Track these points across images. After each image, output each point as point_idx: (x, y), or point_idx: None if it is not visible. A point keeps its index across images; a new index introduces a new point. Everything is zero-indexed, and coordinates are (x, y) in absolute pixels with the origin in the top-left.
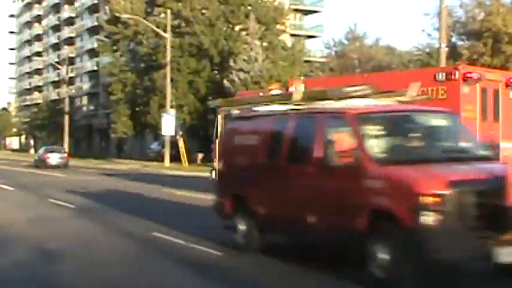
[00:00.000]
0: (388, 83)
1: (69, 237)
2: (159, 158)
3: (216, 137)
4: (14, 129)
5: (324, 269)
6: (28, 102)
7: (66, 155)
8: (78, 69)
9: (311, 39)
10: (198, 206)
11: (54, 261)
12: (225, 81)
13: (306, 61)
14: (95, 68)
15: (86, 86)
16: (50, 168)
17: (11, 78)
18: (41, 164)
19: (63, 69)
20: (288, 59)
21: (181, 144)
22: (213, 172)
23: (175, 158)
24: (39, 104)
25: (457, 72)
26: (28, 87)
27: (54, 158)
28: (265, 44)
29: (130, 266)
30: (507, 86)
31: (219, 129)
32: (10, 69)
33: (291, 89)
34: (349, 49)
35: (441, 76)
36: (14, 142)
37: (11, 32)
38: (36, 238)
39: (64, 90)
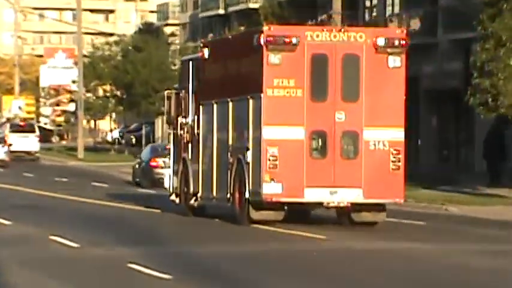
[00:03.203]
0: (224, 49)
1: None
2: None
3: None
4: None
5: None
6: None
7: None
8: None
9: None
10: None
11: None
12: None
13: None
14: None
15: None
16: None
17: None
18: (144, 177)
19: None
20: None
21: None
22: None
23: None
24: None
25: (262, 36)
26: None
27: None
28: None
29: None
30: (377, 49)
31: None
32: None
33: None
34: None
35: (255, 40)
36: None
37: None
38: None
39: None
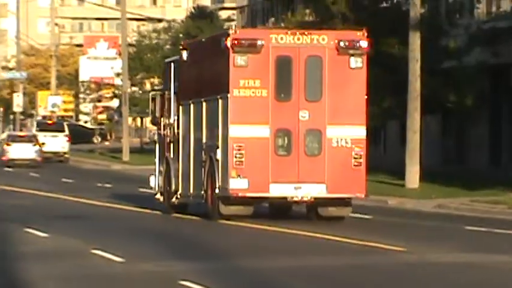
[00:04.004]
0: (199, 52)
1: None
2: None
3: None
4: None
5: None
6: None
7: None
8: None
9: None
10: None
11: None
12: None
13: None
14: None
15: None
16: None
17: None
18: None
19: None
20: None
21: None
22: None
23: None
24: None
25: (228, 39)
26: None
27: None
28: None
29: None
30: (339, 50)
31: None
32: None
33: None
34: None
35: (223, 43)
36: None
37: None
38: None
39: None
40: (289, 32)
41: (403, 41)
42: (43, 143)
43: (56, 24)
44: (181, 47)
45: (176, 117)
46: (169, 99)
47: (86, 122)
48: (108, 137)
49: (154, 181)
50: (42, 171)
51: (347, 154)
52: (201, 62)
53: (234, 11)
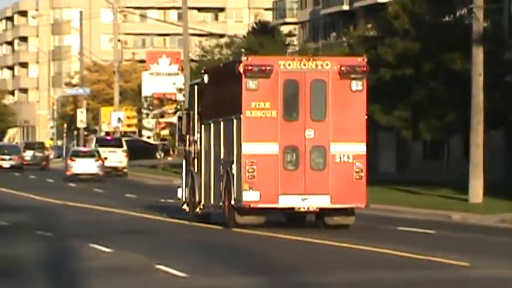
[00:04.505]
0: (218, 76)
1: None
2: None
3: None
4: None
5: None
6: None
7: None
8: None
9: None
10: None
11: None
12: None
13: None
14: None
15: None
16: None
17: None
18: None
19: None
20: None
21: None
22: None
23: None
24: None
25: (241, 66)
26: None
27: None
28: None
29: None
30: (341, 75)
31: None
32: None
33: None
34: None
35: (236, 69)
36: None
37: None
38: None
39: None
40: (296, 58)
41: (465, 55)
42: (105, 158)
43: (119, 41)
44: (203, 71)
45: (199, 135)
46: (194, 118)
47: (148, 137)
48: (171, 153)
49: (182, 193)
50: (105, 186)
51: (349, 168)
52: (219, 86)
53: (296, 26)
